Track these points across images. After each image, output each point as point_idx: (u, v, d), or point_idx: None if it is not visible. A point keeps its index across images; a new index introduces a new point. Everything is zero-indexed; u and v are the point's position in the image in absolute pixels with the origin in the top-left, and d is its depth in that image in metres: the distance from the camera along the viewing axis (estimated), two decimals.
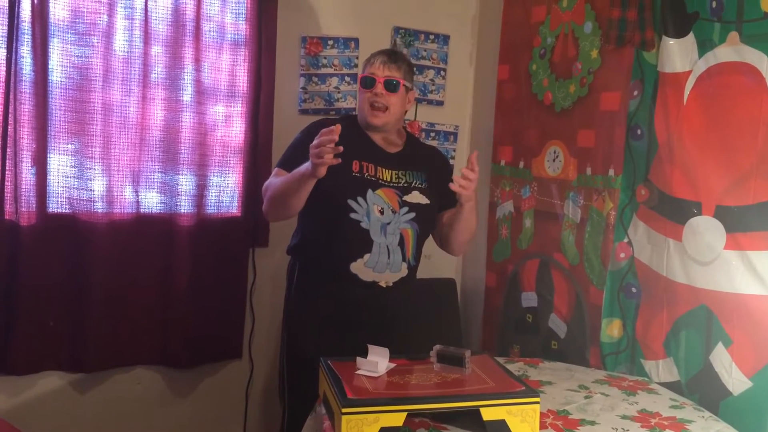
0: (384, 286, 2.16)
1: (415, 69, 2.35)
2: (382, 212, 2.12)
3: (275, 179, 2.14)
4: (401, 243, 2.15)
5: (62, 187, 2.53)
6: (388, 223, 2.13)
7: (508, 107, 2.93)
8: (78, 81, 2.50)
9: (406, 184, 2.18)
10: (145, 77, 2.60)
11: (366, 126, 2.19)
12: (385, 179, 2.16)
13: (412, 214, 2.17)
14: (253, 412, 2.97)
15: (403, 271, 2.18)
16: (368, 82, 2.15)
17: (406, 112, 2.28)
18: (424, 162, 2.27)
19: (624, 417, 1.78)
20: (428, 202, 2.21)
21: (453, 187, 2.03)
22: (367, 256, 2.11)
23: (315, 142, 1.86)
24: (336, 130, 1.83)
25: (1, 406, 2.54)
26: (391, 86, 2.14)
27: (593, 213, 2.40)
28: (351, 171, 2.12)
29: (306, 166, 1.92)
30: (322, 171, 1.88)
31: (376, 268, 2.13)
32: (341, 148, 1.85)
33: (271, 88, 2.84)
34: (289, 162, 2.14)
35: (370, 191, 2.12)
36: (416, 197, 2.19)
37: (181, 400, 2.86)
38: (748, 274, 1.86)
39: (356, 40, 2.96)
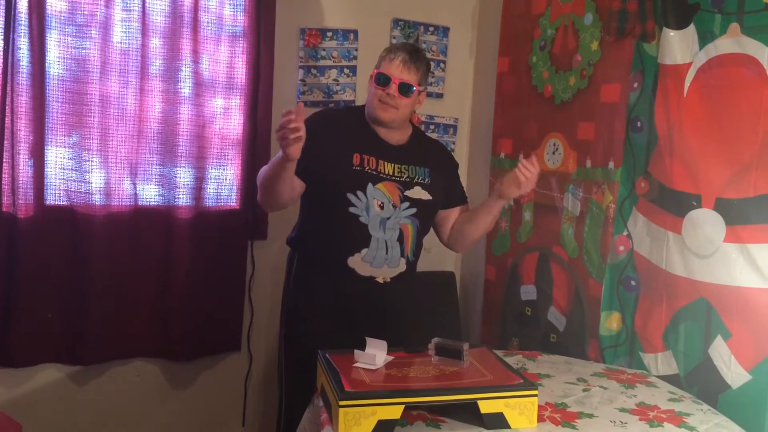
0: (381, 281, 2.15)
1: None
2: (382, 207, 2.11)
3: (266, 167, 2.11)
4: (400, 238, 2.14)
5: (60, 179, 2.52)
6: (388, 218, 2.12)
7: (508, 100, 2.92)
8: (76, 73, 2.50)
9: (408, 179, 2.17)
10: (144, 69, 2.59)
11: (372, 119, 2.17)
12: (386, 173, 2.14)
13: (413, 210, 2.15)
14: (251, 404, 2.97)
15: (401, 267, 2.17)
16: (383, 81, 2.10)
17: (414, 111, 2.26)
18: (429, 157, 2.25)
19: (622, 410, 1.78)
20: (430, 198, 2.19)
21: (519, 175, 2.05)
22: (364, 251, 2.10)
23: (277, 126, 1.82)
24: (298, 109, 1.78)
25: None
26: (405, 90, 2.10)
27: (593, 206, 2.39)
28: (351, 164, 2.11)
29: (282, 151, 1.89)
30: (293, 152, 1.84)
31: (374, 263, 2.12)
32: (301, 126, 1.80)
33: (270, 80, 2.83)
34: None
35: (370, 185, 2.10)
36: (418, 192, 2.17)
37: (180, 392, 2.86)
38: (748, 267, 1.85)
39: (355, 32, 2.95)
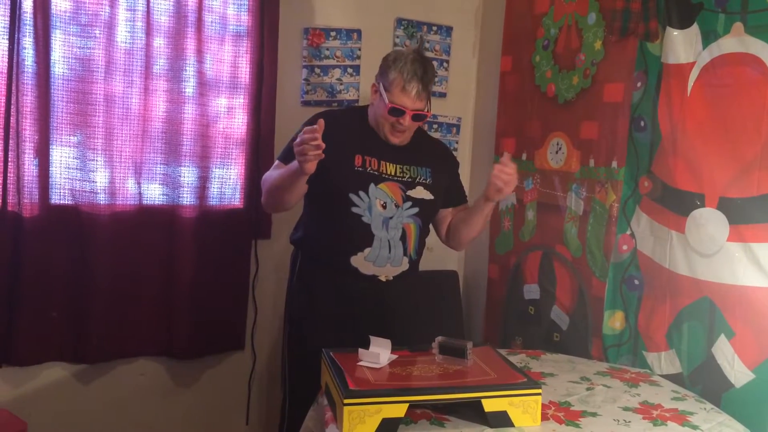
0: (384, 280, 2.16)
1: None
2: (384, 206, 2.12)
3: (272, 172, 2.14)
4: (403, 237, 2.15)
5: (65, 178, 2.53)
6: (391, 218, 2.13)
7: (511, 99, 2.92)
8: (80, 72, 2.50)
9: (410, 179, 2.17)
10: (148, 69, 2.60)
11: (383, 137, 2.17)
12: (388, 173, 2.15)
13: (416, 209, 2.16)
14: (255, 402, 2.98)
15: (404, 266, 2.17)
16: (397, 113, 2.08)
17: None
18: (430, 157, 2.26)
19: (626, 409, 1.78)
20: (432, 197, 2.20)
21: (496, 182, 2.01)
22: (367, 250, 2.11)
23: (297, 140, 1.86)
24: (319, 127, 1.83)
25: (4, 396, 2.55)
26: (418, 118, 2.11)
27: (596, 205, 2.40)
28: (353, 165, 2.11)
29: (296, 163, 1.92)
30: (310, 168, 1.88)
31: (377, 262, 2.12)
32: (323, 145, 1.84)
33: (274, 79, 2.84)
34: (290, 156, 2.14)
35: (372, 185, 2.11)
36: (420, 192, 2.18)
37: (184, 391, 2.87)
38: (751, 266, 1.86)
39: (359, 32, 2.95)
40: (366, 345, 1.76)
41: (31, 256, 2.47)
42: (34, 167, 2.45)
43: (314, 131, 1.82)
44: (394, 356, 1.78)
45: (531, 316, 2.74)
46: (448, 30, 3.14)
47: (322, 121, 1.85)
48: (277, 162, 2.18)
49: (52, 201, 2.52)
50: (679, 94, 2.10)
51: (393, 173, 2.15)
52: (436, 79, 3.08)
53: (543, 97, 2.71)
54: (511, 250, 2.88)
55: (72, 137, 2.53)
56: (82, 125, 2.53)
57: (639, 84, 2.26)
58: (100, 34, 2.51)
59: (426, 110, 2.12)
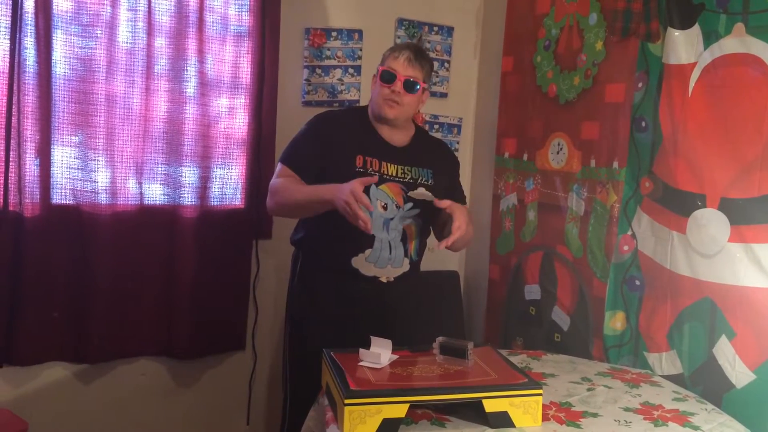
0: (385, 281, 2.16)
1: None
2: (385, 207, 2.12)
3: (287, 182, 2.12)
4: (404, 238, 2.15)
5: (66, 178, 2.53)
6: (392, 219, 2.13)
7: (512, 99, 2.92)
8: (81, 72, 2.51)
9: (411, 180, 2.17)
10: (149, 69, 2.60)
11: (377, 117, 2.17)
12: (390, 174, 2.15)
13: (417, 210, 2.16)
14: (256, 403, 2.98)
15: (405, 267, 2.17)
16: (388, 78, 2.11)
17: (418, 110, 2.27)
18: (432, 157, 2.25)
19: (627, 409, 1.78)
20: (434, 198, 2.19)
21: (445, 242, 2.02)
22: (368, 251, 2.11)
23: (352, 200, 1.86)
24: (366, 182, 1.92)
25: (5, 396, 2.55)
26: (410, 87, 2.11)
27: (597, 205, 2.40)
28: (354, 166, 2.11)
29: (331, 194, 1.94)
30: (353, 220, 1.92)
31: (378, 263, 2.12)
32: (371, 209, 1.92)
33: (275, 80, 2.84)
34: (293, 157, 2.14)
35: (373, 186, 2.11)
36: (422, 194, 2.18)
37: (185, 391, 2.87)
38: (752, 266, 1.85)
39: (360, 32, 2.95)
40: (367, 345, 1.76)
41: (32, 256, 2.48)
42: (35, 167, 2.45)
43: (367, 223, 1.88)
44: (395, 356, 1.78)
45: (532, 317, 2.74)
46: (449, 30, 3.14)
47: (367, 179, 1.95)
48: (281, 166, 2.16)
49: (54, 201, 2.52)
50: (680, 94, 2.10)
51: (394, 174, 2.15)
52: (437, 80, 3.11)
53: (544, 97, 2.71)
54: (512, 251, 2.88)
55: (73, 137, 2.53)
56: (83, 125, 2.53)
57: (640, 84, 2.26)
58: (101, 34, 2.52)
59: (420, 81, 2.12)
